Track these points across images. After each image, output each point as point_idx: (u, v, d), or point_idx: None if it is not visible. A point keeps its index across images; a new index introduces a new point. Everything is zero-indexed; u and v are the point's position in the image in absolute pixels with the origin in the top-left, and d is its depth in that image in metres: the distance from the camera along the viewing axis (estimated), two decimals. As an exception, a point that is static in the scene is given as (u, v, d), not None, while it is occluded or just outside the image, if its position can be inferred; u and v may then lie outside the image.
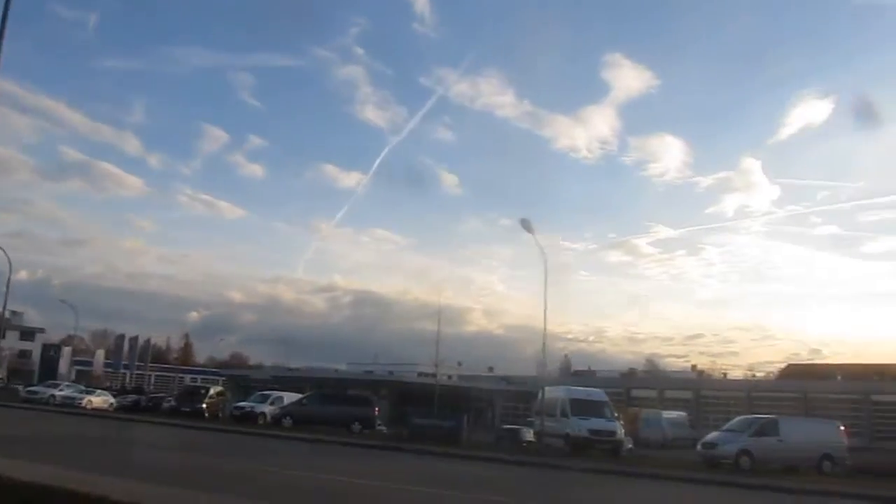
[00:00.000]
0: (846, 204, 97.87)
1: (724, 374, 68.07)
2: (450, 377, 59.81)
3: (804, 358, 71.17)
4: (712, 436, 26.69)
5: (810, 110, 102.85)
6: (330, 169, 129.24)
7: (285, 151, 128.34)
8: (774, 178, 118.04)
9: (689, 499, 16.76)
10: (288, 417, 32.32)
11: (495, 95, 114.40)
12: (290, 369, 64.43)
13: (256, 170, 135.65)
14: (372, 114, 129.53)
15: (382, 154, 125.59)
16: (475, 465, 21.46)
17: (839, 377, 58.08)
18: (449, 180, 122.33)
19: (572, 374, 74.00)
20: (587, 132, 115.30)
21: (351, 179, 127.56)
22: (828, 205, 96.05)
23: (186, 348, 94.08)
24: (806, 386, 48.30)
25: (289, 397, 36.31)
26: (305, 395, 36.10)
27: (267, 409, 34.96)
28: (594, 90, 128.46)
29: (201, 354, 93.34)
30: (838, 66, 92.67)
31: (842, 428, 27.00)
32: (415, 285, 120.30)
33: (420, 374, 59.07)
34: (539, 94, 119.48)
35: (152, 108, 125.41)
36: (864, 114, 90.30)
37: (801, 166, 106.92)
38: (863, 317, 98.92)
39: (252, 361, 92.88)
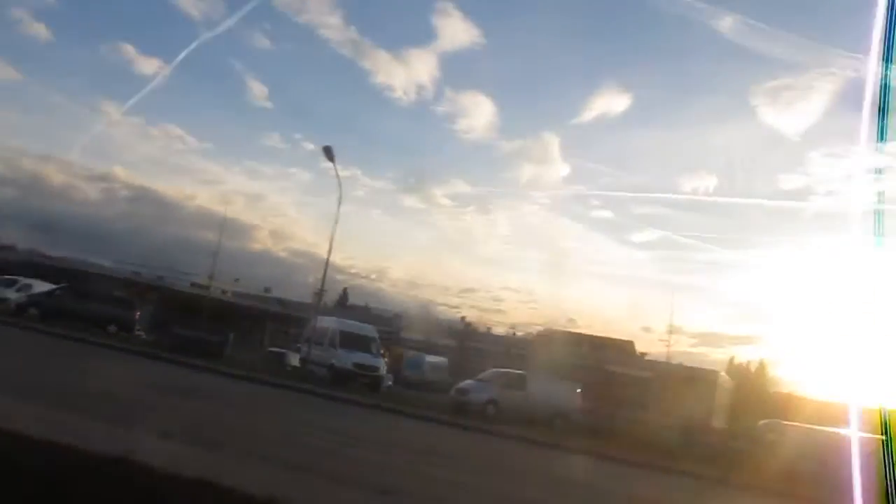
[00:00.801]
0: (623, 193, 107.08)
1: (489, 329, 72.28)
2: (224, 292, 58.00)
3: (560, 324, 77.26)
4: (466, 383, 28.39)
5: (610, 101, 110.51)
6: (128, 49, 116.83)
7: (79, 18, 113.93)
8: (567, 157, 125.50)
9: (421, 434, 17.73)
10: (34, 308, 29.56)
11: (322, 14, 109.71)
12: (47, 257, 58.76)
13: (40, 30, 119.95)
14: (186, 1, 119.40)
15: (191, 47, 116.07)
16: (231, 382, 21.18)
17: (585, 346, 64.18)
18: (258, 91, 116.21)
19: (348, 307, 75.04)
20: (407, 74, 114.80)
21: (150, 66, 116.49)
22: (608, 191, 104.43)
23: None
24: (556, 349, 52.83)
25: (40, 286, 33.19)
26: (59, 286, 33.18)
27: (12, 295, 31.72)
28: (421, 34, 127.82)
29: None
30: (639, 66, 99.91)
31: (578, 391, 29.90)
32: (202, 192, 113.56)
33: (193, 285, 56.57)
34: (367, 24, 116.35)
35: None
36: (652, 115, 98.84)
37: (592, 150, 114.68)
38: (616, 296, 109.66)
39: (3, 242, 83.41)
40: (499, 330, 74.58)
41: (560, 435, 23.31)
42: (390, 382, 32.00)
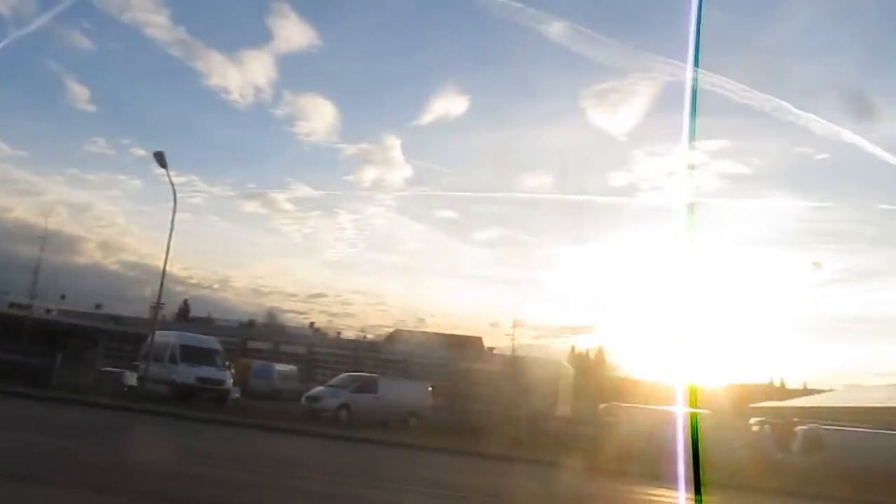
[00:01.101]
0: (465, 193, 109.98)
1: (339, 334, 71.72)
2: (49, 311, 53.68)
3: (410, 325, 78.09)
4: (316, 390, 28.06)
5: (449, 103, 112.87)
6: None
7: None
8: (410, 159, 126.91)
9: (270, 445, 17.33)
10: None
11: (148, 13, 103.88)
12: None
13: None
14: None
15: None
16: (59, 407, 19.73)
17: (436, 345, 65.26)
18: (79, 93, 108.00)
19: (189, 319, 71.86)
20: (242, 76, 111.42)
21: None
22: (450, 191, 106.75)
23: None
24: (407, 350, 53.38)
25: None
26: None
27: None
28: (256, 35, 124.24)
29: None
30: (476, 69, 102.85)
31: (429, 389, 30.34)
32: (18, 203, 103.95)
33: (12, 305, 51.88)
34: (197, 24, 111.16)
35: None
36: (490, 117, 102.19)
37: (433, 152, 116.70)
38: (463, 294, 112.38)
39: None
40: (349, 334, 74.24)
41: (414, 434, 23.53)
42: (237, 395, 30.89)
